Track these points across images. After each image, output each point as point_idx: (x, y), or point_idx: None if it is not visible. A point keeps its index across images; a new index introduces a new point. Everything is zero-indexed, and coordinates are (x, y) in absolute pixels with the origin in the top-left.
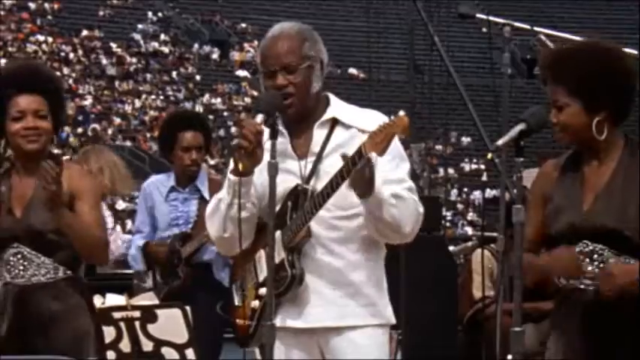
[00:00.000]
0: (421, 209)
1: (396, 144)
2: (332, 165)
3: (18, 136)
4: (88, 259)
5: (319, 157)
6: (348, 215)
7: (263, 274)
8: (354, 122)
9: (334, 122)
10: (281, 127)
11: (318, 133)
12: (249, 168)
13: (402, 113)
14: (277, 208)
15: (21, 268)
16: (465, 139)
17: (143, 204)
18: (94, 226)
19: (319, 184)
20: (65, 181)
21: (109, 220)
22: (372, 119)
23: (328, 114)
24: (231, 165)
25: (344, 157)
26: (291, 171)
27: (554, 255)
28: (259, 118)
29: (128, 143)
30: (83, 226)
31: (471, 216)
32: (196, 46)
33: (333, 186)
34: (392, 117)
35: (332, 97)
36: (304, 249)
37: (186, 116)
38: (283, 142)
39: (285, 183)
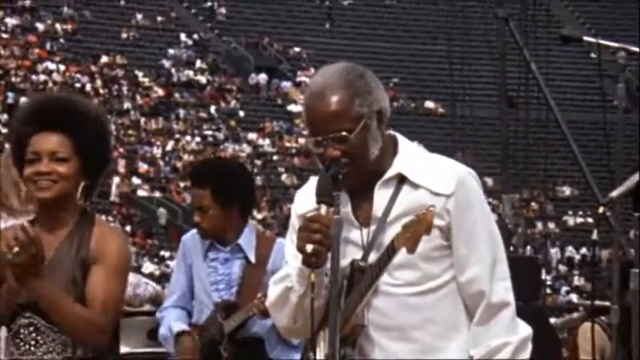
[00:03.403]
0: (526, 333)
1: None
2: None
3: (30, 182)
4: (78, 341)
5: (381, 226)
6: (424, 290)
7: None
8: (424, 180)
9: (401, 179)
10: None
11: (382, 194)
12: (322, 265)
13: (431, 208)
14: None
15: (32, 342)
16: (569, 189)
17: (182, 261)
18: (95, 304)
19: (374, 263)
20: (93, 242)
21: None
22: (447, 176)
23: (393, 168)
24: (298, 253)
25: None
26: (352, 241)
27: None
28: (323, 209)
29: (157, 194)
30: (69, 305)
31: (576, 280)
32: (245, 75)
33: (373, 277)
34: (420, 212)
35: (400, 142)
36: (371, 334)
37: (192, 171)
38: (344, 206)
39: (345, 256)
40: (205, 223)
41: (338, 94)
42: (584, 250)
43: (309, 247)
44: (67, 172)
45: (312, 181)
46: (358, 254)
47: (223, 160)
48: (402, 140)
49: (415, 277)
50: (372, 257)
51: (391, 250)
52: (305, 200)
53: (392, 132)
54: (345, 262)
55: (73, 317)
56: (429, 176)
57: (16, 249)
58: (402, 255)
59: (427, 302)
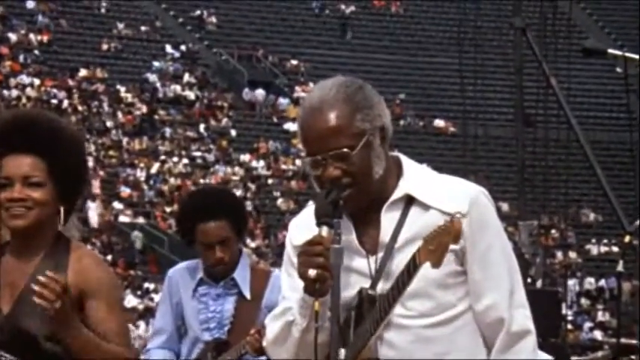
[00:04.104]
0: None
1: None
2: (406, 261)
3: (2, 208)
4: None
5: (389, 252)
6: (439, 322)
7: None
8: (434, 201)
9: (409, 200)
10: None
11: (389, 218)
12: (327, 292)
13: (457, 215)
14: (341, 318)
15: None
16: (592, 214)
17: (167, 298)
18: (116, 339)
19: (390, 286)
20: (74, 273)
21: None
22: (460, 195)
23: (400, 190)
24: (299, 281)
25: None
26: (358, 270)
27: None
28: (325, 231)
29: (141, 220)
30: (101, 346)
31: (600, 315)
32: (238, 90)
33: (389, 303)
34: (454, 217)
35: (405, 162)
36: None
37: (204, 203)
38: (347, 233)
39: (351, 287)
40: (228, 257)
41: (337, 109)
42: (602, 282)
43: (312, 273)
44: (43, 198)
45: (309, 209)
46: (365, 284)
47: (221, 188)
48: (407, 161)
49: (429, 308)
50: (381, 286)
51: (412, 267)
52: (302, 229)
53: (395, 153)
54: (351, 293)
55: (110, 357)
56: (440, 196)
57: (59, 303)
58: (413, 283)
59: (443, 334)
